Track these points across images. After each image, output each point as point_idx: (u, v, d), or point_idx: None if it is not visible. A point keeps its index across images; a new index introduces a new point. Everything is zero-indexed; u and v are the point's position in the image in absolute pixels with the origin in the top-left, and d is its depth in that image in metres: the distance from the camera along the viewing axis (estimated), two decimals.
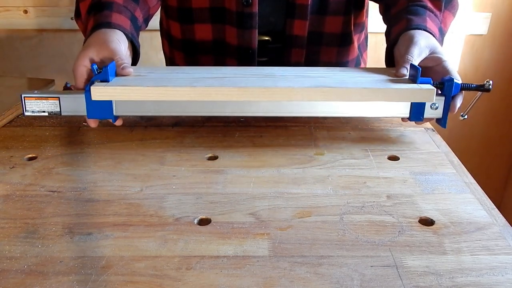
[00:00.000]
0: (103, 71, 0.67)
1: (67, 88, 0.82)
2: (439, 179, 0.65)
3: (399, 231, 0.54)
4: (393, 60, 0.76)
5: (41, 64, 1.53)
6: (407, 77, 0.70)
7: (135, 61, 0.79)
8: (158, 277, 0.47)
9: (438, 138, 0.76)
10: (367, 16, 0.98)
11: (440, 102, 0.70)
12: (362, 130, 0.78)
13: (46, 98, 0.68)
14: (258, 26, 0.86)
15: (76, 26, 1.42)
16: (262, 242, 0.52)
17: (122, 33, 0.74)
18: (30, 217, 0.57)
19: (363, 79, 0.70)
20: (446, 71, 0.70)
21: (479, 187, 0.63)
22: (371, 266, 0.49)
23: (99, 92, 0.65)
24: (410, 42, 0.71)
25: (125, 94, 0.66)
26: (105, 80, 0.67)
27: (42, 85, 0.89)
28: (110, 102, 0.68)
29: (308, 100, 0.67)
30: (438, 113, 0.70)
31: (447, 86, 0.69)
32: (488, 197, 0.61)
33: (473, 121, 1.66)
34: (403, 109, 0.71)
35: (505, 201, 1.77)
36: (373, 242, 0.52)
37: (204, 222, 0.56)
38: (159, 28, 1.03)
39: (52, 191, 0.62)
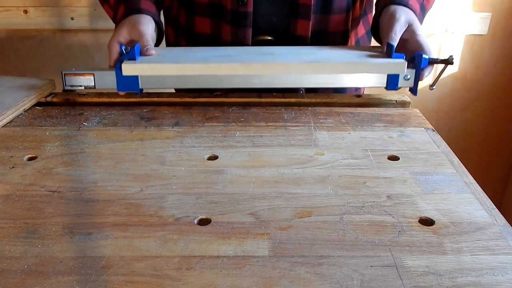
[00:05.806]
0: (130, 52, 0.79)
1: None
2: (439, 179, 0.65)
3: (399, 231, 0.54)
4: (377, 28, 0.85)
5: (41, 64, 1.53)
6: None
7: (160, 37, 0.89)
8: (158, 277, 0.47)
9: (438, 138, 0.76)
10: (371, 12, 0.99)
11: (412, 74, 0.80)
12: (362, 130, 0.78)
13: (83, 74, 0.82)
14: (260, 25, 0.87)
15: (76, 26, 1.44)
16: (262, 242, 0.52)
17: (150, 17, 0.85)
18: (30, 217, 0.57)
19: (348, 55, 0.83)
20: (419, 44, 0.80)
21: (479, 187, 0.63)
22: (371, 266, 0.49)
23: (129, 68, 0.79)
24: (393, 18, 0.81)
25: (150, 70, 0.79)
26: (132, 58, 0.79)
27: (42, 85, 0.89)
28: (136, 77, 0.80)
29: (301, 73, 0.79)
30: (410, 83, 0.82)
31: (417, 60, 0.79)
32: (488, 197, 0.61)
33: (473, 121, 1.65)
34: (381, 80, 0.82)
35: (505, 201, 1.77)
36: (373, 242, 0.52)
37: (204, 222, 0.56)
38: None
39: (52, 191, 0.62)
